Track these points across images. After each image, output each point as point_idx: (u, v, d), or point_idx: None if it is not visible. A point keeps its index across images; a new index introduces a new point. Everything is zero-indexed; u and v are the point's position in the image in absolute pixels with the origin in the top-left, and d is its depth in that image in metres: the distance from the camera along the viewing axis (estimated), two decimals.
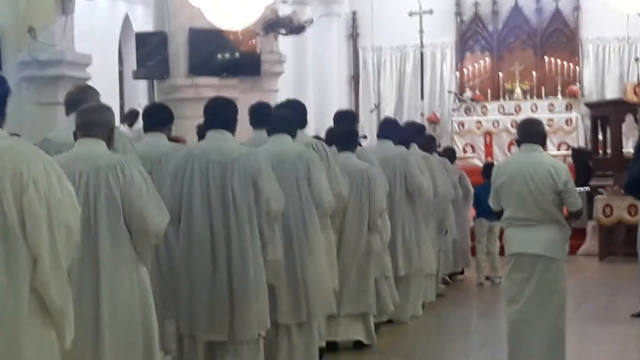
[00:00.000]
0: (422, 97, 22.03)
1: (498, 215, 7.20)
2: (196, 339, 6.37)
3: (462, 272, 13.27)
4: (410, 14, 21.15)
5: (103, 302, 5.00)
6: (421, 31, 21.42)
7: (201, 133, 7.70)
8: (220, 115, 6.63)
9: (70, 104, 6.37)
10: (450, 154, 13.75)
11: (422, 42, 21.79)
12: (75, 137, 5.40)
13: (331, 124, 9.78)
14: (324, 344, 7.93)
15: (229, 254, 6.24)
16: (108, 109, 5.60)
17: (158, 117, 7.47)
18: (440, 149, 14.45)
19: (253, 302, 6.28)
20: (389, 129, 10.50)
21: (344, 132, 9.14)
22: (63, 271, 4.32)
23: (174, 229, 6.32)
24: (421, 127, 12.95)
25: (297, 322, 7.13)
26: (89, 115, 5.42)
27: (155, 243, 5.44)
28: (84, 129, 5.35)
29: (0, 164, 4.21)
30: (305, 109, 8.35)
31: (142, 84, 17.20)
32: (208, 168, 6.32)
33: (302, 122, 8.12)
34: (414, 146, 10.71)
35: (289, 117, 7.65)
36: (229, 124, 6.60)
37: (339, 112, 10.53)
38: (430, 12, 21.06)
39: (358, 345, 8.61)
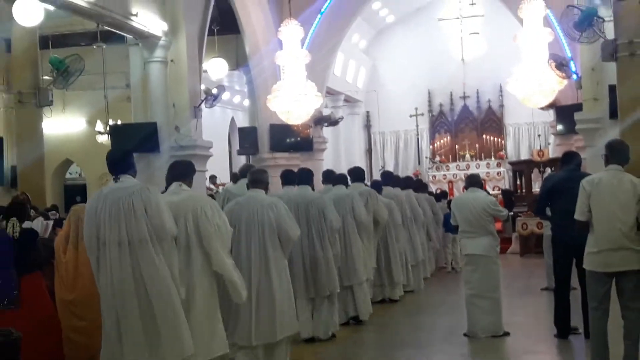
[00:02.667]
0: (419, 162, 22.49)
1: (456, 229, 7.15)
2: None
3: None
4: (410, 116, 21.76)
5: (273, 275, 5.51)
6: (417, 125, 22.04)
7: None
8: (303, 177, 7.17)
9: (241, 173, 7.14)
10: (441, 195, 14.01)
11: (417, 130, 22.22)
12: (248, 188, 5.82)
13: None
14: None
15: (311, 251, 6.82)
16: (265, 172, 5.94)
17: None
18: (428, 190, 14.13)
19: (329, 272, 6.85)
20: (393, 179, 10.62)
21: (375, 183, 9.62)
22: (227, 259, 4.71)
23: None
24: (416, 179, 13.18)
25: (350, 285, 7.66)
26: (256, 176, 5.81)
27: (293, 245, 5.89)
28: (254, 184, 5.75)
29: (186, 205, 4.70)
30: (364, 171, 9.03)
31: (242, 158, 17.33)
32: (298, 206, 6.82)
33: (362, 178, 8.72)
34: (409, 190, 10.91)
35: (344, 176, 8.39)
36: (309, 182, 7.17)
37: (384, 172, 11.30)
38: (422, 114, 21.88)
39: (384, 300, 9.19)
